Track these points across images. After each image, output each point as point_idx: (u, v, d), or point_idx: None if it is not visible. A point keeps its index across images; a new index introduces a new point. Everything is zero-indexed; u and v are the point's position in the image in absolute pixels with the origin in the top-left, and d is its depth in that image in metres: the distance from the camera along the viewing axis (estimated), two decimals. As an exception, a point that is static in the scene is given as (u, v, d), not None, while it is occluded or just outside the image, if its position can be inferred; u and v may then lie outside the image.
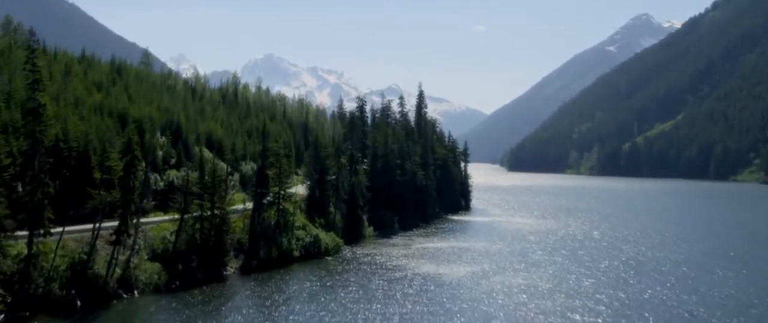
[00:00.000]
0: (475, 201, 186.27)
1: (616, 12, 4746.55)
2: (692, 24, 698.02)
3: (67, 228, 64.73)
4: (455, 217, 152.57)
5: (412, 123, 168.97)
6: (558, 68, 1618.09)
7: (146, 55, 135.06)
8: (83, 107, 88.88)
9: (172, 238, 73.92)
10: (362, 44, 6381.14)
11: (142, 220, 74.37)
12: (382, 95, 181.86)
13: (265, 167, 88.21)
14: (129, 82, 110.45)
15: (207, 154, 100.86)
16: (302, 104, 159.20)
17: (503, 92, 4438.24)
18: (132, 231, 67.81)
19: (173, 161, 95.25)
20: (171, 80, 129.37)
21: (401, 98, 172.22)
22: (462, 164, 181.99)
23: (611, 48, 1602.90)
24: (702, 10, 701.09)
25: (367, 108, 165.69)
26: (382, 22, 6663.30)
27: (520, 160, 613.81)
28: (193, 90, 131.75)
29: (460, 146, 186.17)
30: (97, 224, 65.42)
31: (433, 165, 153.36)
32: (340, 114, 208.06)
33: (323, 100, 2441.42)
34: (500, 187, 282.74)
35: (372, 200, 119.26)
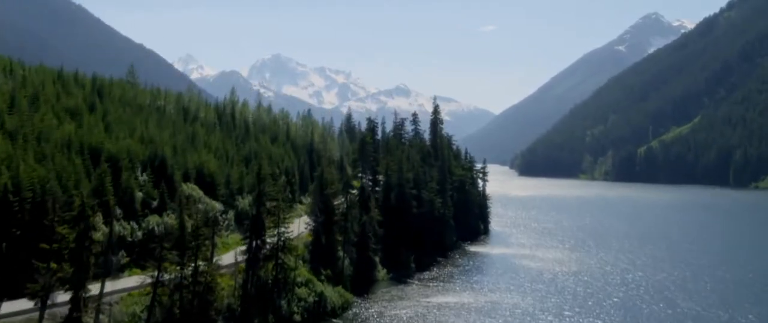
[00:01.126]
0: (493, 221, 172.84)
1: (626, 11, 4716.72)
2: (707, 25, 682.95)
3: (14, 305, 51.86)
4: (475, 248, 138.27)
5: (427, 140, 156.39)
6: (567, 68, 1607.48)
7: (131, 72, 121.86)
8: (48, 143, 75.63)
9: (144, 314, 60.46)
10: (370, 44, 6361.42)
11: (110, 288, 60.81)
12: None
13: (260, 214, 74.62)
14: (109, 107, 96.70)
15: (196, 192, 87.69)
16: (307, 122, 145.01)
17: (511, 92, 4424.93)
18: (90, 311, 54.51)
19: (155, 203, 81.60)
20: (161, 100, 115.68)
21: (414, 115, 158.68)
22: (480, 183, 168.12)
23: (621, 47, 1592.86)
24: (716, 10, 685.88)
25: (378, 120, 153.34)
26: (391, 21, 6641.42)
27: (532, 164, 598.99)
28: (186, 111, 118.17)
29: (475, 159, 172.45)
30: (47, 301, 52.35)
31: (451, 188, 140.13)
32: (349, 128, 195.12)
33: (331, 100, 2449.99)
34: (516, 199, 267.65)
35: (385, 237, 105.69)
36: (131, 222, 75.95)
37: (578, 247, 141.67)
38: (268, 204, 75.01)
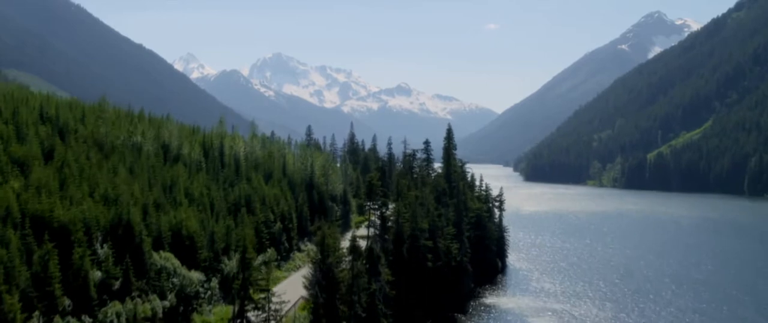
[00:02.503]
0: (510, 253, 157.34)
1: (628, 10, 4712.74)
2: (714, 25, 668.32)
3: None
4: (494, 299, 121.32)
5: (435, 164, 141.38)
6: (569, 67, 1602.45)
7: (101, 105, 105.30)
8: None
9: None
10: (372, 42, 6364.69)
11: None
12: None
13: (244, 309, 59.14)
14: (70, 154, 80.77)
15: (171, 263, 72.20)
16: (306, 153, 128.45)
17: (513, 91, 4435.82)
18: None
19: (117, 284, 65.86)
20: (137, 136, 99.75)
21: (427, 143, 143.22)
22: (497, 213, 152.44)
23: (624, 46, 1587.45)
24: (721, 8, 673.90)
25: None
26: (392, 20, 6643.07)
27: (538, 169, 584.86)
28: (166, 148, 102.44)
29: (492, 189, 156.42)
30: None
31: (467, 226, 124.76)
32: (352, 149, 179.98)
33: (332, 98, 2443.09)
34: (529, 217, 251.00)
35: (396, 298, 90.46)
36: (84, 317, 60.34)
37: (617, 293, 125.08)
38: (256, 296, 59.54)
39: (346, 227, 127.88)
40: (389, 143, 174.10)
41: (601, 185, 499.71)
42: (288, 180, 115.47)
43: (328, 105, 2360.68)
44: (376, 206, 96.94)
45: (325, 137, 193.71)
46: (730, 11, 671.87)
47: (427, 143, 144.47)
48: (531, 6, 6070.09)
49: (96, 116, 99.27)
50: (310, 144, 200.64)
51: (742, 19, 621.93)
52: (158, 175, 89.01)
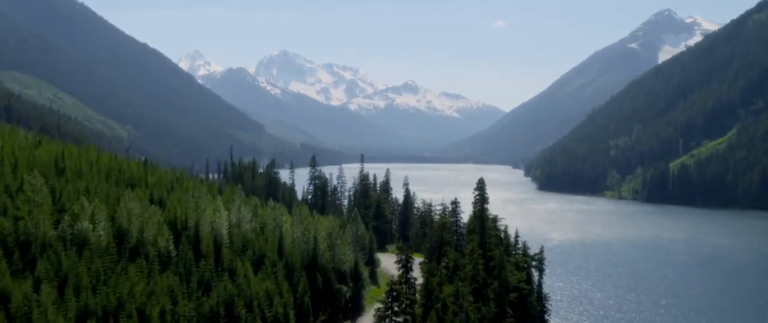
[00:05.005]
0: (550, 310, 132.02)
1: (637, 7, 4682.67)
2: (734, 27, 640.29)
3: None
4: None
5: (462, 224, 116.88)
6: (578, 65, 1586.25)
7: (32, 183, 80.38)
8: None
9: None
10: (378, 40, 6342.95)
11: None
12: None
13: None
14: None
15: None
16: (309, 224, 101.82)
17: (521, 89, 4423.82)
18: None
19: None
20: (84, 220, 75.26)
21: (455, 203, 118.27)
22: (536, 276, 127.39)
23: (633, 45, 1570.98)
24: (735, 7, 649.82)
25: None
26: (399, 17, 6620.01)
27: (553, 177, 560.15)
28: (122, 236, 77.91)
29: (531, 250, 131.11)
30: None
31: (508, 305, 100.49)
32: (363, 188, 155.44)
33: (339, 96, 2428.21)
34: (558, 248, 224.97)
35: None
36: None
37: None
38: None
39: (356, 311, 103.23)
40: (406, 185, 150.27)
41: (620, 197, 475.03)
42: (285, 263, 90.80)
43: (334, 103, 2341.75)
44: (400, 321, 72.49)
45: (331, 174, 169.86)
46: (749, 12, 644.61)
47: (455, 203, 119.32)
48: (539, 3, 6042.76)
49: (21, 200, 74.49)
50: (315, 177, 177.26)
51: (765, 20, 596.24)
52: (102, 291, 64.52)
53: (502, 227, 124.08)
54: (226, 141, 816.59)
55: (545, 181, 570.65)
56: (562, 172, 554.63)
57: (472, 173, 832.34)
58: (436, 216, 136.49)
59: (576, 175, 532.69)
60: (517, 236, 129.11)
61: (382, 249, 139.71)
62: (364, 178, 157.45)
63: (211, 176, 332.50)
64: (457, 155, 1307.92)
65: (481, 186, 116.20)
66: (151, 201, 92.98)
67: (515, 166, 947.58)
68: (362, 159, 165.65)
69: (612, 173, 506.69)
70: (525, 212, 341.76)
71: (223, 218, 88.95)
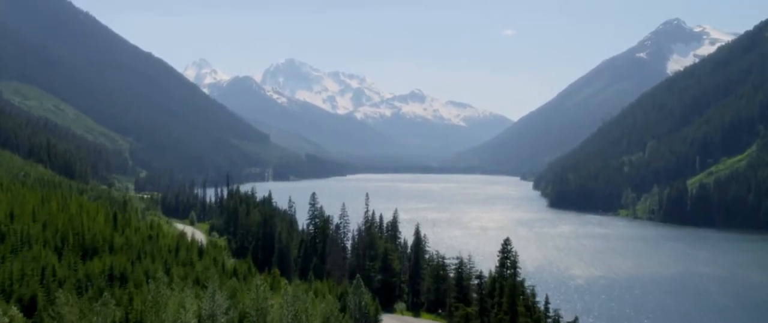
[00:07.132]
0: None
1: (646, 17, 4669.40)
2: (750, 40, 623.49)
3: None
4: None
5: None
6: (587, 74, 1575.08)
7: None
8: None
9: None
10: (385, 48, 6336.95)
11: None
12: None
13: None
14: None
15: None
16: (300, 308, 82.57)
17: (529, 98, 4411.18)
18: None
19: None
20: None
21: (481, 277, 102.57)
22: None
23: (642, 54, 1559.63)
24: (746, 17, 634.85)
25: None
26: (406, 25, 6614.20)
27: (564, 194, 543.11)
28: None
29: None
30: None
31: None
32: (369, 235, 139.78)
33: (345, 105, 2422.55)
34: (581, 289, 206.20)
35: None
36: None
37: None
38: None
39: None
40: (416, 232, 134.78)
41: (636, 216, 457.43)
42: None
43: (341, 111, 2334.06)
44: None
45: (333, 216, 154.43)
46: (765, 23, 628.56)
47: (481, 276, 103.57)
48: (547, 12, 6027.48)
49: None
50: (315, 213, 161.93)
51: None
52: None
53: (530, 290, 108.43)
54: (230, 152, 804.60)
55: (556, 198, 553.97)
56: (573, 189, 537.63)
57: (480, 185, 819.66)
58: (452, 272, 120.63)
59: (588, 193, 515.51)
60: (547, 303, 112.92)
61: (389, 309, 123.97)
62: (370, 226, 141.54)
63: (208, 198, 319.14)
64: (464, 164, 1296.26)
65: (506, 248, 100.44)
66: (111, 279, 76.79)
67: (523, 177, 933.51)
68: (367, 198, 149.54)
69: (626, 192, 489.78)
70: (538, 237, 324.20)
71: (190, 314, 71.85)
